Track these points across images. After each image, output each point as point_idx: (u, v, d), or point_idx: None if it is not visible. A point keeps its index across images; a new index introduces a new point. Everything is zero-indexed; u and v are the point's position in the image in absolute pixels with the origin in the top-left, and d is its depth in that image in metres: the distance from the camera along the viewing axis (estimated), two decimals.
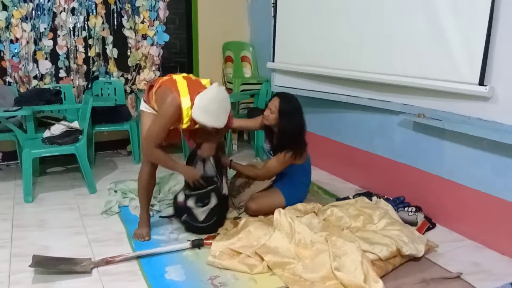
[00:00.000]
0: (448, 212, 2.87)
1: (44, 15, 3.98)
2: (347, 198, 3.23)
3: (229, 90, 4.94)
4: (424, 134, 2.99)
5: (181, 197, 2.74)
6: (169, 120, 2.42)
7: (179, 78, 2.52)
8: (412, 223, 2.80)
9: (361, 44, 3.21)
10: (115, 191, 3.35)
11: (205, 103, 2.37)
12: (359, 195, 3.21)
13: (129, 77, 4.46)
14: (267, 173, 3.01)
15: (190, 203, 2.69)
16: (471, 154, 2.69)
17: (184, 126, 2.48)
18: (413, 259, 2.41)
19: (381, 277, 2.15)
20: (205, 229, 2.70)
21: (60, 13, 4.03)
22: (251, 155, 4.51)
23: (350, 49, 3.30)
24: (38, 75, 4.08)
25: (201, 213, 2.69)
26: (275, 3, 3.96)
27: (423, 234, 2.70)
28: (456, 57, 2.59)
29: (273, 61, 4.06)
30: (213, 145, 2.72)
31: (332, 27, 3.44)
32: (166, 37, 4.49)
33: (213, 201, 2.71)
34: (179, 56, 4.92)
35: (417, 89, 2.87)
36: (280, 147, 2.92)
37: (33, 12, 3.94)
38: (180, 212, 2.75)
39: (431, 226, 2.85)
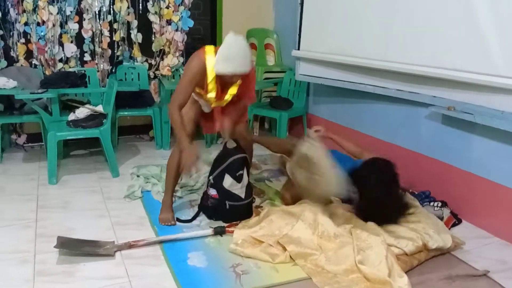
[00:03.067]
0: (475, 208, 2.80)
1: None
2: None
3: None
4: (453, 127, 2.91)
5: (212, 191, 2.69)
6: (192, 77, 2.40)
7: (209, 46, 2.50)
8: (438, 218, 2.73)
9: (390, 33, 3.12)
10: (138, 176, 3.37)
11: (223, 51, 2.32)
12: None
13: (153, 62, 4.45)
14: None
15: (227, 183, 2.65)
16: (501, 149, 2.61)
17: (210, 94, 2.46)
18: (439, 254, 2.36)
19: (405, 272, 2.12)
20: (249, 207, 2.74)
21: None
22: None
23: (379, 38, 3.22)
24: (63, 58, 4.10)
25: (240, 190, 2.68)
26: None
27: (448, 229, 2.64)
28: (490, 48, 2.50)
29: (298, 49, 4.00)
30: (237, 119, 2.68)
31: (361, 15, 3.36)
32: (191, 23, 4.46)
33: (245, 176, 2.71)
34: (203, 42, 4.85)
35: (447, 81, 2.79)
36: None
37: None
38: (221, 201, 2.67)
39: (457, 222, 2.79)
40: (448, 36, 2.73)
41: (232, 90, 2.53)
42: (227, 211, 2.68)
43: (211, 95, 2.48)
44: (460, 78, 2.68)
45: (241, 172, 2.67)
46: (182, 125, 2.43)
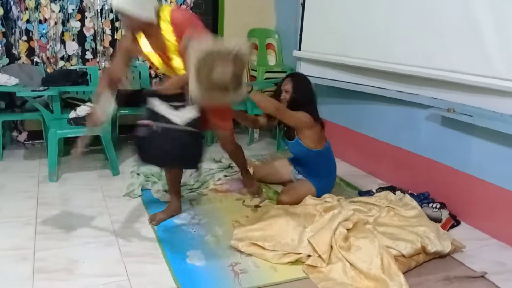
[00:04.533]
0: (473, 209, 2.81)
1: None
2: (370, 191, 3.19)
3: (253, 78, 4.93)
4: (452, 129, 2.92)
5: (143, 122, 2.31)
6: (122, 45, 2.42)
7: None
8: (436, 220, 2.75)
9: (392, 35, 3.13)
10: (138, 174, 3.37)
11: None
12: (382, 189, 3.16)
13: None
14: (290, 115, 2.77)
15: (156, 105, 2.30)
16: (500, 151, 2.62)
17: (150, 55, 2.42)
18: (437, 256, 2.37)
19: (403, 273, 2.12)
20: (193, 139, 2.27)
21: None
22: (271, 143, 4.49)
23: (380, 39, 3.23)
24: (65, 56, 4.11)
25: (176, 116, 2.26)
26: None
27: (447, 231, 2.65)
28: (490, 51, 2.51)
29: (300, 49, 4.00)
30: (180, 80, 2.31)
31: (363, 16, 3.36)
32: None
33: (192, 111, 2.27)
34: None
35: (447, 83, 2.80)
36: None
37: None
38: (152, 127, 2.25)
39: (455, 224, 2.80)
40: (449, 38, 2.74)
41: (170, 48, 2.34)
42: (160, 137, 2.23)
43: (152, 56, 2.43)
44: (460, 80, 2.68)
45: (178, 104, 2.28)
46: (101, 86, 2.45)
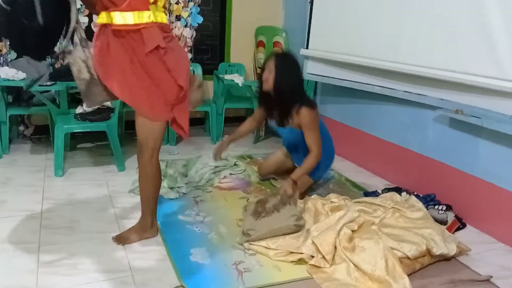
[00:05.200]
0: (480, 212, 2.79)
1: None
2: (376, 192, 3.17)
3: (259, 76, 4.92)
4: (460, 131, 2.89)
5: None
6: None
7: None
8: (442, 222, 2.72)
9: (401, 34, 3.11)
10: None
11: None
12: (388, 190, 3.15)
13: None
14: (317, 146, 2.71)
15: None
16: (508, 154, 2.59)
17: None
18: (442, 259, 2.35)
19: (408, 275, 2.11)
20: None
21: None
22: (278, 141, 4.48)
23: (389, 39, 3.20)
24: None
25: None
26: None
27: (452, 233, 2.63)
28: (500, 52, 2.48)
29: (307, 48, 3.99)
30: None
31: (371, 15, 3.34)
32: (200, 19, 4.46)
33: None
34: (211, 39, 4.90)
35: (456, 84, 2.77)
36: (286, 106, 2.73)
37: None
38: None
39: (461, 226, 2.78)
40: (459, 39, 2.71)
41: None
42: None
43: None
44: (469, 82, 2.66)
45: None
46: None
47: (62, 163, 3.30)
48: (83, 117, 3.39)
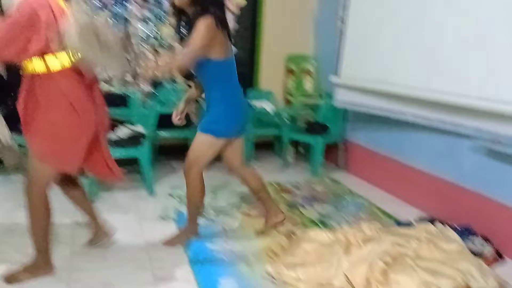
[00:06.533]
0: None
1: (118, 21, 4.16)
2: (410, 223, 3.07)
3: (288, 102, 4.93)
4: (497, 160, 2.79)
5: None
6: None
7: None
8: (479, 255, 2.61)
9: (434, 62, 3.05)
10: (173, 196, 3.40)
11: None
12: (421, 220, 3.04)
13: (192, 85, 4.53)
14: (187, 54, 2.43)
15: None
16: None
17: None
18: None
19: None
20: None
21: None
22: (307, 169, 4.43)
23: (422, 67, 3.15)
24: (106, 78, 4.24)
25: None
26: (344, 18, 3.89)
27: (490, 267, 2.51)
28: None
29: (338, 75, 3.98)
30: None
31: (404, 43, 3.31)
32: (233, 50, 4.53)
33: None
34: (241, 67, 4.90)
35: (493, 113, 2.69)
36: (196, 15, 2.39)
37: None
38: None
39: (499, 260, 2.65)
40: (495, 67, 2.64)
41: None
42: None
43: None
44: (507, 111, 2.57)
45: None
46: None
47: (95, 188, 3.35)
48: (115, 143, 3.44)
